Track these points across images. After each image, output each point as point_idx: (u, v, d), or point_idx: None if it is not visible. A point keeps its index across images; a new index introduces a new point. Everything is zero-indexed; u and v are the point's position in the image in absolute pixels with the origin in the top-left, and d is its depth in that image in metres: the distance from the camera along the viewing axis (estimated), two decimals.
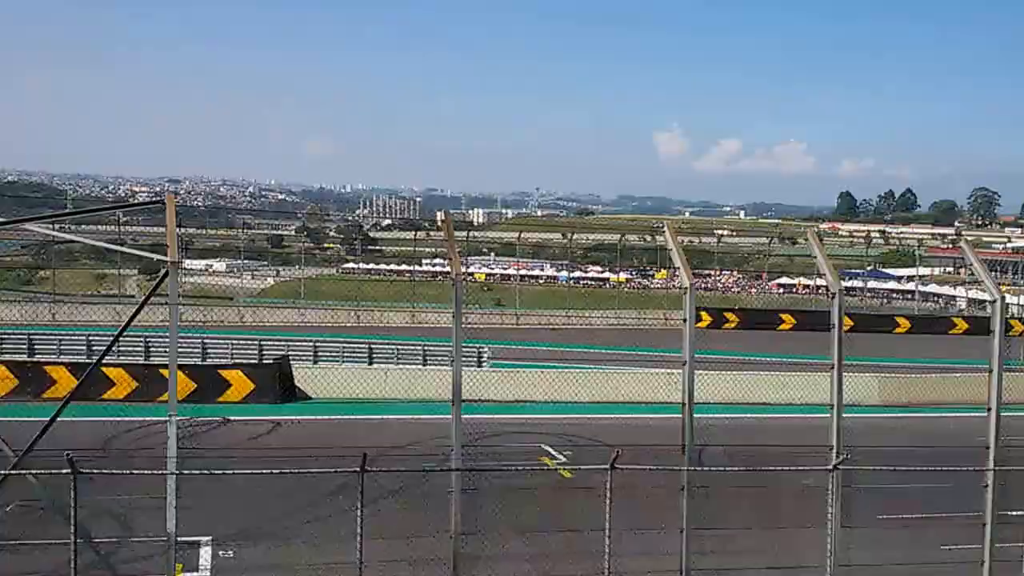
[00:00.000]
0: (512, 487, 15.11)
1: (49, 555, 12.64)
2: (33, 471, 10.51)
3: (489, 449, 18.70)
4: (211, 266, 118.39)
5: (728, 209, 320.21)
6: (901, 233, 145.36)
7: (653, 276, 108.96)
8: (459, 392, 11.81)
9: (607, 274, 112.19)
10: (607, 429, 23.97)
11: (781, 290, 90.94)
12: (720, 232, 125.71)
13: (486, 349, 33.40)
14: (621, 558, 11.90)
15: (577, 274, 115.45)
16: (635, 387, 29.06)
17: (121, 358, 27.81)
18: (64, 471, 9.91)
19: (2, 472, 10.39)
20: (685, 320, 12.47)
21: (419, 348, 33.38)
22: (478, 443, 16.81)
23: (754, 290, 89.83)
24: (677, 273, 13.03)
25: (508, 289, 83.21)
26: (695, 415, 12.55)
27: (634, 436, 18.42)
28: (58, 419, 10.70)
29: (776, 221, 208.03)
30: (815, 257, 13.56)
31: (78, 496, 10.03)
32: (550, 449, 22.44)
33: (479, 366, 31.83)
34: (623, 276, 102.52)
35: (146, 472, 11.19)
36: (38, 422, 10.77)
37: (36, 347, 31.61)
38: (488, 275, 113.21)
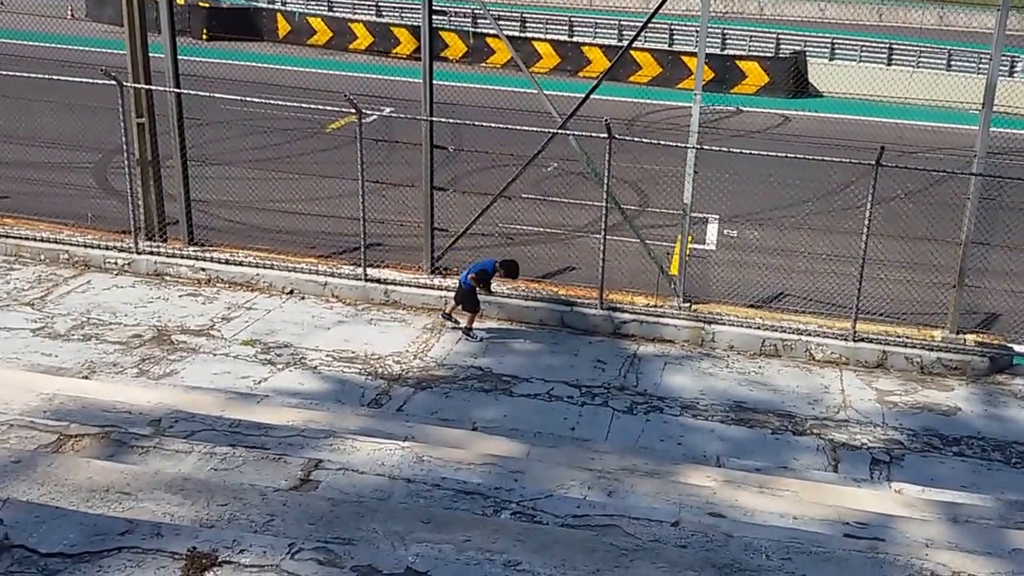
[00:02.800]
0: None
1: (583, 212, 14.69)
2: (574, 132, 11.97)
3: (1018, 163, 17.04)
4: None
5: None
6: None
7: None
8: (992, 95, 10.86)
9: None
10: None
11: None
12: None
13: (1022, 58, 29.26)
14: None
15: None
16: None
17: (647, 43, 29.28)
18: (601, 135, 11.23)
19: (551, 131, 11.99)
20: None
21: (944, 52, 30.25)
22: (1006, 156, 15.39)
23: None
24: None
25: None
26: None
27: None
28: (591, 96, 11.82)
29: None
30: None
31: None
32: None
33: (1010, 75, 28.10)
34: None
35: (670, 144, 12.18)
36: (575, 96, 12.01)
37: (575, 29, 34.39)
38: None
